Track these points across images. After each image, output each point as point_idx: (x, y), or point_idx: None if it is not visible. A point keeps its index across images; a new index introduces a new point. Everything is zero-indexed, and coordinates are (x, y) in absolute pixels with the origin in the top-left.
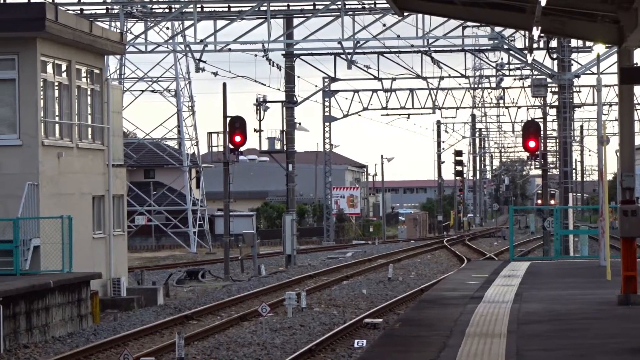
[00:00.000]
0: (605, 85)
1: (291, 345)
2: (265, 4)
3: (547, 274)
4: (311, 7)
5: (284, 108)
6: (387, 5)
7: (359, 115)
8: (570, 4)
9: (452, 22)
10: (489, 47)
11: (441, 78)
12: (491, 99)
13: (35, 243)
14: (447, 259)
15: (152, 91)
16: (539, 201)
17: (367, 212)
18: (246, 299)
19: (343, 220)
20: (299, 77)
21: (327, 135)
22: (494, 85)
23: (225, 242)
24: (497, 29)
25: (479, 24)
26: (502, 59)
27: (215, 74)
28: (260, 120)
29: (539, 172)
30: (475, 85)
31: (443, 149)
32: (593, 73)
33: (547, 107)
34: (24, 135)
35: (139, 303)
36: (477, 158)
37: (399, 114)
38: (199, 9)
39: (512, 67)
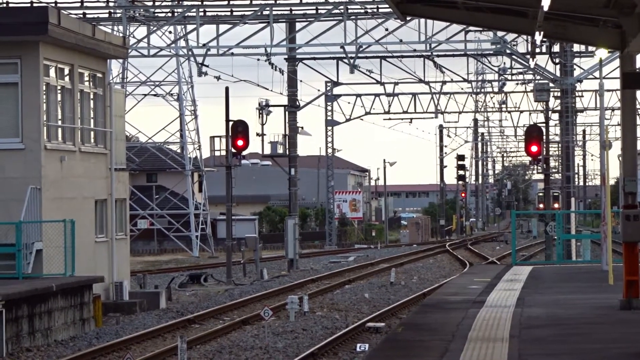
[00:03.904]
0: (608, 90)
1: (293, 349)
2: (267, 9)
3: (550, 278)
4: (314, 12)
5: (287, 112)
6: (389, 10)
7: (362, 119)
8: (573, 9)
9: (455, 27)
10: (491, 52)
11: (443, 82)
12: (493, 103)
13: (37, 247)
14: (449, 264)
15: (155, 95)
16: (541, 205)
17: (369, 217)
18: (248, 303)
19: (345, 225)
20: (301, 81)
21: (329, 139)
22: (496, 89)
23: (227, 246)
24: (500, 33)
25: (481, 29)
26: (504, 63)
27: (218, 78)
28: (262, 125)
29: (542, 176)
30: (478, 90)
31: (445, 153)
32: (595, 78)
33: (550, 112)
34: (27, 139)
35: (141, 307)
36: (480, 162)
37: (402, 118)
38: (201, 13)
39: (514, 71)
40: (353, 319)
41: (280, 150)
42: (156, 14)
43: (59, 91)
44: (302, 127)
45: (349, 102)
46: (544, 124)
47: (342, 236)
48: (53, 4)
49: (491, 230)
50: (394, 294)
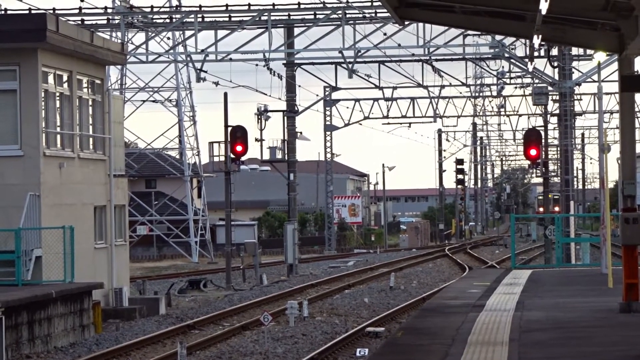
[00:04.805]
0: (606, 93)
1: (293, 354)
2: (265, 14)
3: (549, 282)
4: (312, 17)
5: (285, 117)
6: (387, 15)
7: (360, 124)
8: (571, 12)
9: (453, 31)
10: (489, 56)
11: (442, 87)
12: (492, 107)
13: (37, 253)
14: (448, 268)
15: (154, 101)
16: (541, 209)
17: (368, 221)
18: (248, 309)
19: (344, 229)
20: (299, 86)
21: (328, 144)
22: (495, 93)
23: (227, 252)
24: (498, 37)
25: (479, 33)
26: (502, 67)
27: (217, 83)
28: (261, 130)
29: (541, 180)
30: (476, 94)
31: (444, 157)
32: (594, 81)
33: (548, 115)
34: (26, 146)
35: (140, 313)
36: (479, 166)
37: (400, 123)
38: (199, 19)
39: (513, 75)
40: (353, 323)
41: (279, 155)
42: (154, 20)
43: (58, 98)
44: (300, 132)
45: (347, 107)
46: (542, 128)
47: (341, 241)
48: (51, 11)
49: (490, 234)
50: (393, 298)
